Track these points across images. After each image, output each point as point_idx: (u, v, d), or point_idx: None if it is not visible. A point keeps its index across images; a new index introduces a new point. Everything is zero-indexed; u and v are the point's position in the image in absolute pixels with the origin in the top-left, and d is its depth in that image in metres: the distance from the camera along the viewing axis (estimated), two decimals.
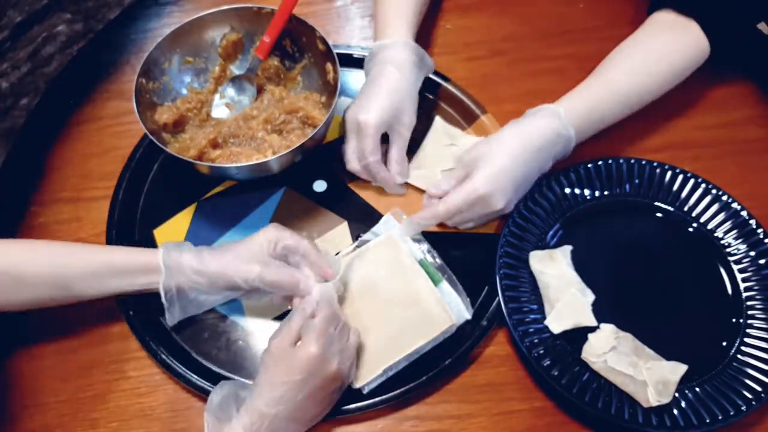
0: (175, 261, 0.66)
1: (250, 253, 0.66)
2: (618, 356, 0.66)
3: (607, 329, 0.68)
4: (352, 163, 0.78)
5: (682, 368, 0.66)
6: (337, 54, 0.78)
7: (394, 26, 0.80)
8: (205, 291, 0.67)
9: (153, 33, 0.94)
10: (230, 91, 0.84)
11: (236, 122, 0.80)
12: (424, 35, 0.93)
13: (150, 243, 0.78)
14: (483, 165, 0.70)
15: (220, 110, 0.84)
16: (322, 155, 0.83)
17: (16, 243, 0.69)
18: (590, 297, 0.70)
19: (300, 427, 0.63)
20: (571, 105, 0.74)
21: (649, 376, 0.65)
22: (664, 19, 0.78)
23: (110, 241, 0.77)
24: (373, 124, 0.74)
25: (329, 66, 0.80)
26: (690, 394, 0.65)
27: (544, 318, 0.69)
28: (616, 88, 0.76)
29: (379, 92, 0.75)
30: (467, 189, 0.70)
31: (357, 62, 0.89)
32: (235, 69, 0.86)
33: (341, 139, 0.83)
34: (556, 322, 0.68)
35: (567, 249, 0.73)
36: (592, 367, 0.67)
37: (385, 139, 0.77)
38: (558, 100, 0.75)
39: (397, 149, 0.78)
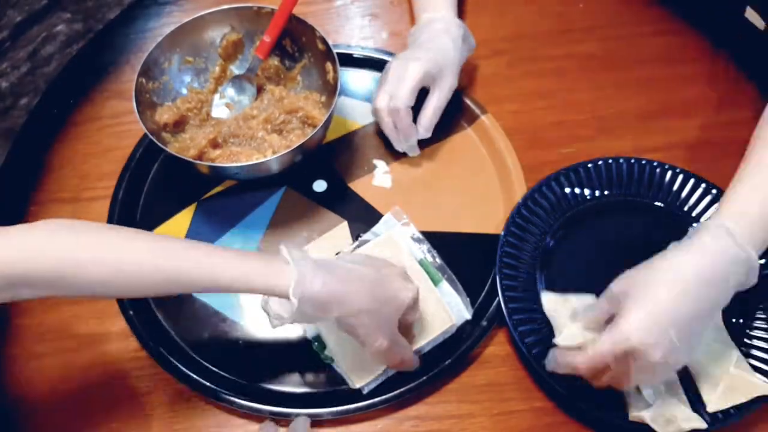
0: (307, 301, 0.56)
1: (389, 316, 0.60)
2: None
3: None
4: (380, 101, 0.77)
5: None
6: (337, 54, 0.78)
7: (441, 2, 0.83)
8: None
9: (153, 33, 0.94)
10: (230, 91, 0.84)
11: (236, 122, 0.80)
12: None
13: None
14: (635, 303, 0.55)
15: (220, 110, 0.84)
16: (322, 155, 0.83)
17: (132, 235, 0.58)
18: None
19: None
20: (740, 214, 0.57)
21: None
22: None
23: None
24: (419, 69, 0.75)
25: (329, 66, 0.80)
26: (690, 394, 0.65)
27: (544, 318, 0.69)
28: None
29: (430, 48, 0.78)
30: (614, 336, 0.55)
31: (357, 62, 0.89)
32: (235, 69, 0.86)
33: (342, 139, 0.83)
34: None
35: (586, 298, 0.69)
36: None
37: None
38: (720, 210, 0.59)
39: (436, 101, 0.78)
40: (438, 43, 0.79)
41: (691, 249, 0.57)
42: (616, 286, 0.58)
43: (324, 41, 0.79)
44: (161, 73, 0.81)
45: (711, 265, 0.55)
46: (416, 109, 0.78)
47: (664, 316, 0.54)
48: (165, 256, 0.55)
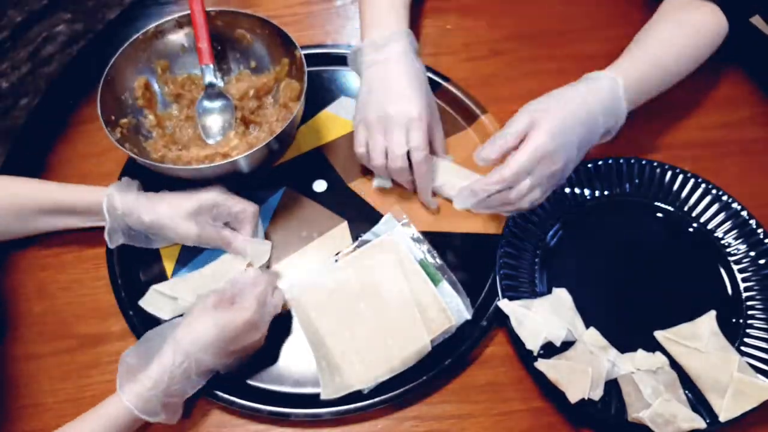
0: (115, 209, 0.71)
1: (188, 210, 0.71)
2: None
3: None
4: (398, 161, 0.73)
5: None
6: (337, 54, 0.78)
7: (392, 16, 0.79)
8: (148, 235, 0.73)
9: None
10: (206, 119, 0.80)
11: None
12: (424, 35, 0.93)
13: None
14: (544, 120, 0.65)
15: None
16: (322, 155, 0.83)
17: None
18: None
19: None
20: (627, 76, 0.71)
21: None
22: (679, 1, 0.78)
23: None
24: (423, 116, 0.72)
25: (240, 33, 0.80)
26: (690, 394, 0.65)
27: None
28: (660, 61, 0.74)
29: (414, 85, 0.74)
30: (532, 145, 0.65)
31: None
32: (162, 109, 0.84)
33: (343, 139, 0.83)
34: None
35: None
36: None
37: None
38: (611, 68, 0.72)
39: (441, 138, 0.78)
40: (413, 71, 0.75)
41: (588, 90, 0.69)
42: (523, 114, 0.67)
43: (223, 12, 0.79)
44: (120, 121, 0.79)
45: (598, 102, 0.68)
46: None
47: (567, 129, 0.66)
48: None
